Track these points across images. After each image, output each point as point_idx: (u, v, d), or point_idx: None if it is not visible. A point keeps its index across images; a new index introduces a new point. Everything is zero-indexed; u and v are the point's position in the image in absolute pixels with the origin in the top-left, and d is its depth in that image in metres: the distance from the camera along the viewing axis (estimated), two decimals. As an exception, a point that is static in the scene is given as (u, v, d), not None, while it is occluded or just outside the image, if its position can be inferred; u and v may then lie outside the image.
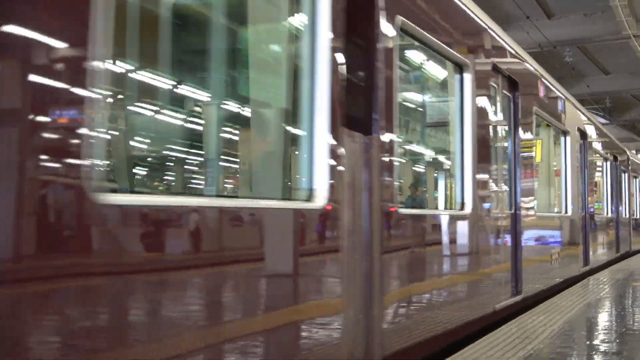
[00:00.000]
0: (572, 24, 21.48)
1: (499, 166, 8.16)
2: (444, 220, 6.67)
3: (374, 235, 4.98)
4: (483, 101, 7.64)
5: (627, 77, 28.56)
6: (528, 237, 9.26)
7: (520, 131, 9.08)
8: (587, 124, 14.92)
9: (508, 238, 8.35)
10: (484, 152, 7.52)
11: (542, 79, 10.76)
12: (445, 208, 7.60)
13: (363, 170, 4.90)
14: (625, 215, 20.27)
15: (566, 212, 12.22)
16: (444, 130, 7.69)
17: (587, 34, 22.05)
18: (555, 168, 12.29)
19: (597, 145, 16.09)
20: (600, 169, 16.90)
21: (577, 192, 12.76)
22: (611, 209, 17.73)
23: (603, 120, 31.97)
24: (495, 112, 8.18)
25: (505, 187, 8.35)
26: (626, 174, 20.66)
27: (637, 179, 23.44)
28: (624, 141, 28.41)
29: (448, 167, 7.67)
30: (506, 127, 8.72)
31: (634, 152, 25.31)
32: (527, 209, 9.32)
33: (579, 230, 12.92)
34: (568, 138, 12.49)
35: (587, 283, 11.42)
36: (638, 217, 23.56)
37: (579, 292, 9.96)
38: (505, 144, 8.64)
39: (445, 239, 6.56)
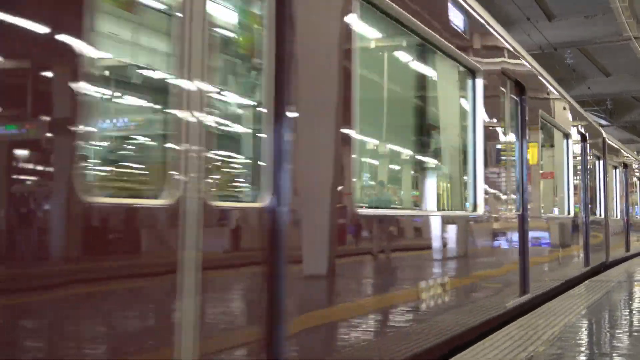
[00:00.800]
0: (572, 26, 21.50)
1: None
2: None
3: None
4: None
5: (628, 78, 28.58)
6: (362, 256, 4.93)
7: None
8: (528, 70, 9.52)
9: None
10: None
11: None
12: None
13: None
14: (600, 215, 15.49)
15: (475, 209, 7.28)
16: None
17: (587, 36, 22.08)
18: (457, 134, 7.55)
19: (549, 111, 10.55)
20: (555, 147, 11.79)
21: (508, 180, 8.27)
22: (578, 207, 12.80)
23: (604, 122, 31.98)
24: None
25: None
26: (601, 162, 15.76)
27: (618, 170, 18.30)
28: (625, 142, 28.42)
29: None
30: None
31: (635, 155, 24.55)
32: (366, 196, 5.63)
33: (511, 240, 8.27)
34: (479, 82, 7.28)
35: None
36: (619, 217, 18.31)
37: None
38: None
39: None
